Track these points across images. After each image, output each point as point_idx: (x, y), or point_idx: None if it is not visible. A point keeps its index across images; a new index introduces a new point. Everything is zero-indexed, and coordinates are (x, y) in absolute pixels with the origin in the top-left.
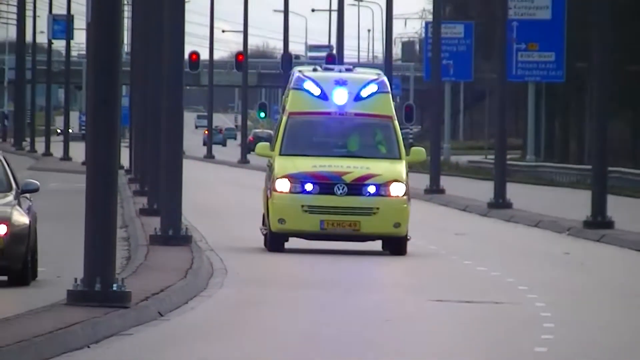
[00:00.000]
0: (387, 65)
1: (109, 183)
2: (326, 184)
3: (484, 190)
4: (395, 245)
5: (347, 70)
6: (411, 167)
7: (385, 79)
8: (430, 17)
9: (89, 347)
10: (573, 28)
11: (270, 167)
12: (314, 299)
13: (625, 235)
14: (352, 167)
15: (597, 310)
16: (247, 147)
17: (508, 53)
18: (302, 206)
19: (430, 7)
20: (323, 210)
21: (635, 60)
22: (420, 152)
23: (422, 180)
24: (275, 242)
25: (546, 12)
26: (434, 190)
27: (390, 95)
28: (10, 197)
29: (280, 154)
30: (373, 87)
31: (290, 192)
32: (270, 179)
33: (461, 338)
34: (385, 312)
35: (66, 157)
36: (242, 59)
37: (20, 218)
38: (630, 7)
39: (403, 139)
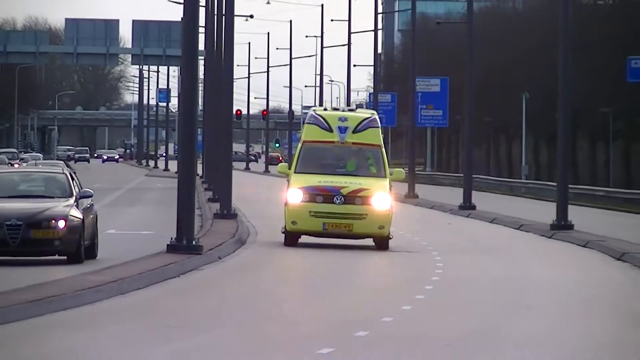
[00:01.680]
0: None
1: (191, 183)
2: (328, 195)
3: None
4: (380, 243)
5: (350, 110)
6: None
7: (377, 117)
8: (371, 90)
9: (179, 276)
10: (452, 95)
11: (288, 182)
12: (312, 253)
13: (482, 214)
14: (348, 183)
15: (470, 258)
16: (268, 164)
17: (416, 110)
18: (310, 212)
19: (371, 84)
20: (325, 215)
21: (487, 114)
22: (400, 172)
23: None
24: (290, 238)
25: (437, 87)
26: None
27: (380, 130)
28: (70, 201)
29: (295, 172)
30: (368, 123)
31: (301, 201)
32: (287, 191)
33: (387, 270)
34: (354, 263)
35: (166, 168)
36: (265, 114)
37: (76, 215)
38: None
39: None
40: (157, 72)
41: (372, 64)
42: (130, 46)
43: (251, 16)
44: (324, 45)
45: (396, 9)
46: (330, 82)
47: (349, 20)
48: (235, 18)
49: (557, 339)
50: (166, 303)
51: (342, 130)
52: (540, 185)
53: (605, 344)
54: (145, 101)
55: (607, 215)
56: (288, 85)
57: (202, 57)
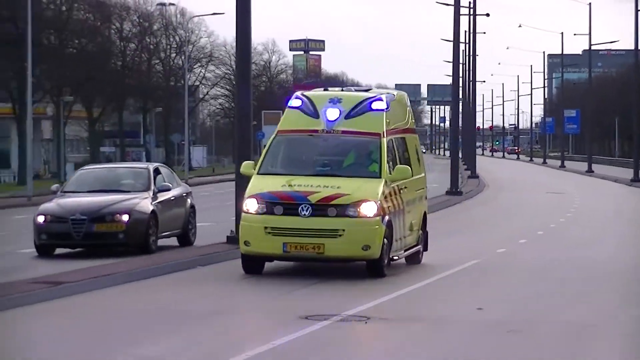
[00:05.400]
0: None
1: (456, 159)
2: (290, 204)
3: None
4: (370, 268)
5: (362, 91)
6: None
7: (387, 97)
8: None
9: (457, 204)
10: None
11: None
12: (503, 195)
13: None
14: (322, 187)
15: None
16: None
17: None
18: (266, 228)
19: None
20: (286, 232)
21: None
22: (404, 170)
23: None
24: (247, 263)
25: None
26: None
27: (385, 114)
28: (144, 195)
29: (258, 173)
30: (366, 105)
31: (256, 212)
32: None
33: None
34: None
35: (443, 155)
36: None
37: (143, 209)
38: None
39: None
40: None
41: None
42: None
43: None
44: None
45: None
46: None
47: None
48: None
49: None
50: (461, 211)
51: (332, 115)
52: None
53: None
54: None
55: None
56: None
57: None
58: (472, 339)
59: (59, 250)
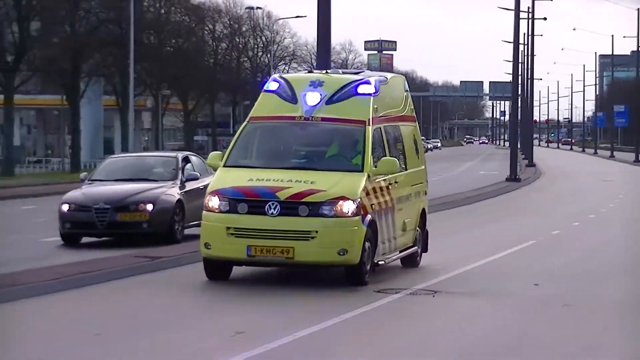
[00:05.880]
0: None
1: (515, 149)
2: (256, 201)
3: None
4: (349, 275)
5: (352, 74)
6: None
7: (380, 80)
8: None
9: (516, 190)
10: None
11: None
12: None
13: None
14: (293, 182)
15: None
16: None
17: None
18: (228, 228)
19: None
20: (251, 233)
21: None
22: (389, 163)
23: None
24: (209, 268)
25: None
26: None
27: (371, 99)
28: (172, 183)
29: (224, 166)
30: (352, 89)
31: (217, 211)
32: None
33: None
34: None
35: (504, 145)
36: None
37: (169, 198)
38: None
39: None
40: None
41: None
42: None
43: None
44: None
45: None
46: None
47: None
48: None
49: None
50: (519, 196)
51: (312, 100)
52: None
53: None
54: None
55: None
56: None
57: None
58: (529, 312)
59: (85, 239)
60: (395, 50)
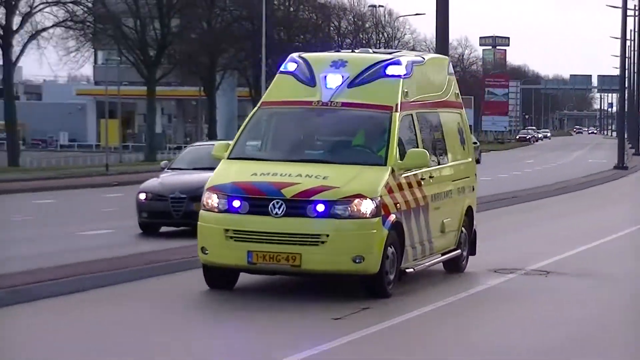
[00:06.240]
0: None
1: (622, 139)
2: (259, 200)
3: None
4: (367, 286)
5: (384, 54)
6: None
7: (414, 60)
8: None
9: (622, 177)
10: None
11: None
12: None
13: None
14: (303, 177)
15: None
16: None
17: None
18: (226, 231)
19: None
20: (252, 237)
21: None
22: (418, 155)
23: None
24: (208, 276)
25: None
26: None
27: (401, 82)
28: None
29: (228, 157)
30: (380, 70)
31: (217, 210)
32: None
33: None
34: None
35: (610, 135)
36: None
37: None
38: None
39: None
40: None
41: None
42: None
43: None
44: None
45: None
46: None
47: None
48: None
49: None
50: (626, 183)
51: (333, 82)
52: None
53: None
54: None
55: None
56: None
57: None
58: (635, 292)
59: (164, 229)
60: (508, 45)
